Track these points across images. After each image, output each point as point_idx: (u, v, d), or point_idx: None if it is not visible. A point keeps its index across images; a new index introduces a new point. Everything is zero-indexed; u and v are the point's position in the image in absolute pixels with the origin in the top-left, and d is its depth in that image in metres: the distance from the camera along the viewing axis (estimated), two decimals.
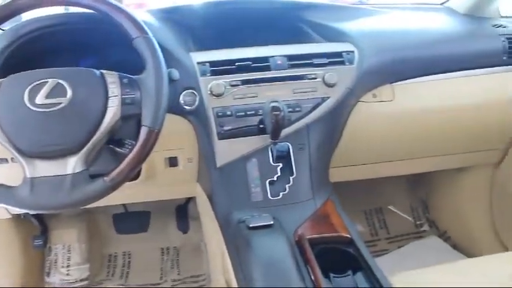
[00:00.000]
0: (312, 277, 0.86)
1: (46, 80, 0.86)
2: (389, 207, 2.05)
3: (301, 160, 1.12)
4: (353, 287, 0.88)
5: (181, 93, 1.10)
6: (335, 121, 1.19)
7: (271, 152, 1.10)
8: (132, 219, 1.92)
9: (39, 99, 0.85)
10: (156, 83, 0.90)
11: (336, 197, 1.13)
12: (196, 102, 1.10)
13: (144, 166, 1.17)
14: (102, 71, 0.91)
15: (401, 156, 1.44)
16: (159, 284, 1.79)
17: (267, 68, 1.15)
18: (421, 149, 1.43)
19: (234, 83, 1.12)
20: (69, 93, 0.86)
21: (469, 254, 1.71)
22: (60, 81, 0.87)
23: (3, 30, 1.04)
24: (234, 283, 0.93)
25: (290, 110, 1.11)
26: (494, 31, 1.39)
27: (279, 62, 1.16)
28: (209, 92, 1.10)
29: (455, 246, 1.82)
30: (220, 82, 1.11)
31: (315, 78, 1.16)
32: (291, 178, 1.10)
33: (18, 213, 1.42)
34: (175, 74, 1.06)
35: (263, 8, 1.40)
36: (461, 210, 1.79)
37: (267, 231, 0.96)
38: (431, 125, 1.34)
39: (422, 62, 1.30)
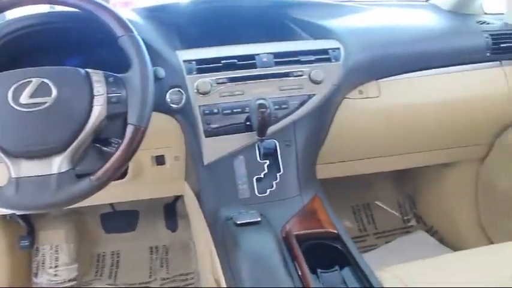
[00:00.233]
0: (299, 273, 0.87)
1: (30, 80, 0.86)
2: (376, 203, 2.06)
3: (288, 157, 1.12)
4: (340, 282, 0.89)
5: (167, 91, 1.09)
6: (321, 118, 1.20)
7: (258, 149, 1.10)
8: (120, 219, 1.91)
9: (24, 98, 0.84)
10: (141, 81, 0.89)
11: (323, 193, 1.13)
12: (183, 101, 1.10)
13: (131, 165, 1.17)
14: (87, 69, 0.90)
15: (388, 152, 1.45)
16: (148, 282, 1.78)
17: (253, 66, 1.15)
18: (407, 145, 1.44)
19: (220, 80, 1.12)
20: (54, 92, 0.86)
21: (455, 248, 1.73)
22: (45, 80, 0.86)
23: None
24: (223, 281, 0.93)
25: (276, 107, 1.12)
26: (478, 28, 1.41)
27: (265, 60, 1.16)
28: (195, 90, 1.10)
29: (442, 241, 1.84)
30: (207, 80, 1.11)
31: (301, 76, 1.16)
32: (278, 175, 1.10)
33: (4, 213, 1.41)
34: (161, 72, 1.06)
35: (249, 6, 1.40)
36: (448, 205, 1.81)
37: (254, 228, 0.96)
38: (417, 121, 1.35)
39: (407, 58, 1.31)
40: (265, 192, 1.09)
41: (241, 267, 0.88)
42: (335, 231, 0.99)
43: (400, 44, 1.32)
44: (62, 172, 0.85)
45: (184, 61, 1.13)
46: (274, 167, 1.11)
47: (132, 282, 1.78)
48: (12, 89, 0.85)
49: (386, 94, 1.28)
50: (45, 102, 0.85)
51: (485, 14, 1.53)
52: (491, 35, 1.37)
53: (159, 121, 1.06)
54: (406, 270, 0.90)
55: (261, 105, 1.01)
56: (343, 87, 1.21)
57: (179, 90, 1.10)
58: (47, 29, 1.06)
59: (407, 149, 1.46)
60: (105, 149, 0.96)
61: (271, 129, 1.09)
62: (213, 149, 1.11)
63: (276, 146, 1.12)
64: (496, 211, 1.60)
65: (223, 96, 1.12)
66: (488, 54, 1.36)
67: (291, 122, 1.14)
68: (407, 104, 1.31)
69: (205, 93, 1.10)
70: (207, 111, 1.10)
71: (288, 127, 1.13)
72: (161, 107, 1.08)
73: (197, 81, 1.10)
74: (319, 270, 0.89)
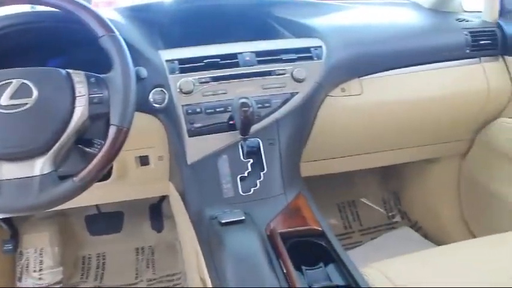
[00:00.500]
0: (284, 270, 0.87)
1: (10, 81, 0.85)
2: (361, 199, 2.08)
3: (271, 155, 1.12)
4: (325, 279, 0.89)
5: (150, 91, 1.09)
6: (304, 116, 1.20)
7: (242, 148, 1.10)
8: (105, 220, 1.90)
9: (4, 100, 0.83)
10: (123, 81, 0.89)
11: (307, 191, 1.14)
12: (166, 100, 1.10)
13: (115, 165, 1.17)
14: (68, 70, 0.90)
15: (371, 149, 1.47)
16: (134, 284, 1.78)
17: (236, 65, 1.15)
18: (390, 141, 1.45)
19: (203, 80, 1.12)
20: (35, 93, 0.85)
21: (439, 242, 1.75)
22: (25, 81, 0.85)
23: None
24: (209, 280, 0.93)
25: (259, 105, 1.12)
26: (458, 25, 1.43)
27: (247, 59, 1.16)
28: (178, 90, 1.10)
29: (426, 236, 1.87)
30: (189, 79, 1.11)
31: (284, 74, 1.17)
32: (261, 173, 1.10)
33: None
34: (143, 72, 1.06)
35: (232, 5, 1.40)
36: (431, 201, 1.83)
37: (239, 227, 0.96)
38: (399, 118, 1.36)
39: (389, 56, 1.32)
40: (250, 191, 1.09)
41: (226, 267, 0.88)
42: (319, 228, 1.00)
43: (382, 42, 1.33)
44: (45, 174, 0.84)
45: (166, 61, 1.13)
46: (257, 165, 1.11)
47: (119, 284, 1.77)
48: None
49: (369, 92, 1.29)
50: (26, 104, 0.84)
51: (465, 11, 1.55)
52: (470, 32, 1.39)
53: (142, 121, 1.05)
54: (390, 266, 0.91)
55: (243, 104, 1.02)
56: (326, 85, 1.22)
57: (162, 90, 1.10)
58: (27, 29, 1.05)
59: (390, 146, 1.48)
60: (88, 150, 0.95)
61: (255, 127, 1.09)
62: (197, 148, 1.11)
63: (259, 145, 1.12)
64: (477, 206, 1.63)
65: (206, 96, 1.12)
66: (467, 51, 1.38)
67: (274, 121, 1.14)
68: (389, 101, 1.32)
69: (188, 93, 1.10)
70: (190, 111, 1.10)
71: (271, 125, 1.14)
72: (144, 107, 1.08)
73: (180, 81, 1.10)
74: (304, 268, 0.89)
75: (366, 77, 1.30)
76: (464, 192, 1.70)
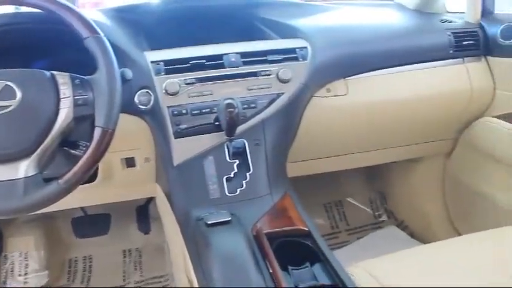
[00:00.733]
0: (270, 271, 0.87)
1: None
2: (348, 199, 2.09)
3: (257, 156, 1.12)
4: (311, 278, 0.90)
5: (136, 92, 1.09)
6: (290, 116, 1.21)
7: (228, 149, 1.11)
8: (91, 223, 1.88)
9: None
10: (108, 83, 0.89)
11: (294, 191, 1.14)
12: (152, 102, 1.10)
13: (100, 167, 1.16)
14: (52, 72, 0.89)
15: (357, 149, 1.47)
16: (122, 286, 1.77)
17: (221, 66, 1.15)
18: (376, 141, 1.47)
19: (188, 81, 1.12)
20: (19, 95, 0.84)
21: (425, 241, 1.76)
22: (9, 83, 0.85)
23: None
24: (196, 281, 0.93)
25: (245, 106, 1.12)
26: (441, 26, 1.44)
27: (233, 60, 1.16)
28: (164, 91, 1.10)
29: (412, 235, 1.89)
30: (175, 81, 1.11)
31: (269, 75, 1.17)
32: (247, 174, 1.10)
33: None
34: (129, 73, 1.06)
35: (217, 6, 1.40)
36: (417, 200, 1.85)
37: (225, 228, 0.96)
38: (384, 118, 1.37)
39: (374, 56, 1.33)
40: (236, 192, 1.09)
41: (212, 267, 0.88)
42: (305, 228, 1.00)
43: (367, 43, 1.34)
44: (29, 176, 0.84)
45: (152, 62, 1.12)
46: (243, 166, 1.11)
47: (106, 286, 1.76)
48: None
49: (354, 92, 1.30)
50: (10, 106, 0.83)
51: (448, 12, 1.57)
52: (453, 33, 1.40)
53: (127, 123, 1.05)
54: (376, 265, 0.92)
55: (228, 105, 1.02)
56: (311, 86, 1.22)
57: (147, 91, 1.09)
58: (12, 30, 1.04)
59: (375, 146, 1.49)
60: (73, 152, 0.95)
61: (240, 128, 1.10)
62: (183, 149, 1.10)
63: (245, 146, 1.12)
64: (462, 205, 1.64)
65: (192, 97, 1.12)
66: (451, 51, 1.40)
67: (260, 121, 1.14)
68: (374, 101, 1.33)
69: (173, 94, 1.10)
70: (175, 112, 1.10)
71: (257, 126, 1.14)
72: (129, 108, 1.08)
73: (165, 82, 1.10)
74: (290, 267, 0.89)
75: (351, 77, 1.30)
76: (449, 191, 1.72)
